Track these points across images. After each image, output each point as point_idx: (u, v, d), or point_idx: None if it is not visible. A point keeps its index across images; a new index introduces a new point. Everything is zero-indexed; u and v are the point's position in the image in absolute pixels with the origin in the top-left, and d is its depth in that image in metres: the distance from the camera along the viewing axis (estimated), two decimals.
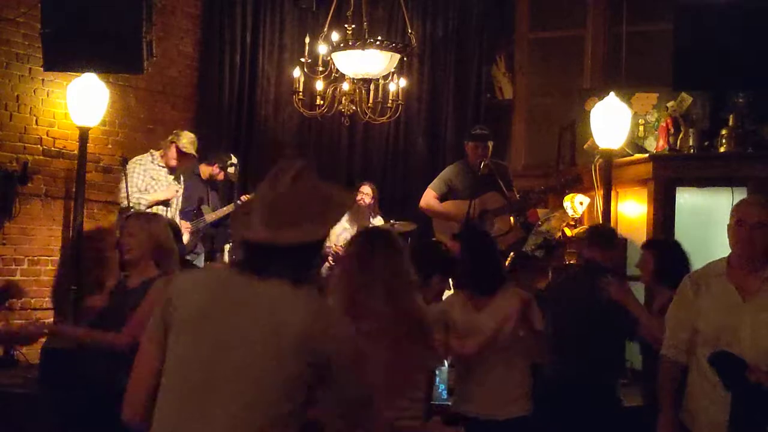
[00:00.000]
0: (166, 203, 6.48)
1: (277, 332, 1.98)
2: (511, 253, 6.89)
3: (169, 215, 6.42)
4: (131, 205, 6.19)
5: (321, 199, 2.12)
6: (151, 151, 6.62)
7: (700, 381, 3.17)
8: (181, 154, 6.56)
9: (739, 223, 3.16)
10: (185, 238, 6.50)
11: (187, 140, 6.58)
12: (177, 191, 6.59)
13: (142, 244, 3.73)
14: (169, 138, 6.61)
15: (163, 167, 6.53)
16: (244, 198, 6.59)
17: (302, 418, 2.02)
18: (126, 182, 6.29)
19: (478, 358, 3.65)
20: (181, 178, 6.71)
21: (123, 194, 6.26)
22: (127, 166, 6.41)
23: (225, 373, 1.98)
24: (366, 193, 6.95)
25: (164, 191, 6.49)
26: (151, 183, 6.46)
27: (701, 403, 3.16)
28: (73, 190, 6.67)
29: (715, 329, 3.11)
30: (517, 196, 6.50)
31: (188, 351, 2.04)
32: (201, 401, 1.98)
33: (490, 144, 6.37)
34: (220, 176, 6.88)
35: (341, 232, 6.78)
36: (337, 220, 2.22)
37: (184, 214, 6.69)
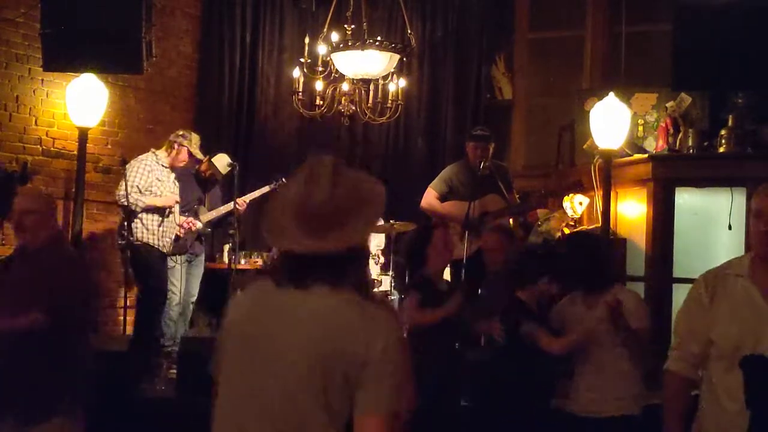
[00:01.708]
0: (161, 209, 6.39)
1: (323, 344, 1.93)
2: None
3: (166, 223, 6.38)
4: (129, 204, 6.16)
5: (361, 200, 2.03)
6: (153, 150, 6.53)
7: (710, 402, 2.72)
8: (190, 157, 6.51)
9: (758, 215, 2.67)
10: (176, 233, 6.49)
11: (196, 143, 6.53)
12: (176, 202, 6.49)
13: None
14: (176, 139, 6.50)
15: (166, 167, 6.46)
16: (240, 200, 6.58)
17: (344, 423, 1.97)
18: (125, 181, 6.25)
19: (583, 356, 3.77)
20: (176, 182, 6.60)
21: (122, 192, 6.21)
22: (128, 165, 6.35)
23: (271, 388, 1.96)
24: None
25: (163, 199, 6.40)
26: (156, 184, 6.37)
27: (710, 427, 2.74)
28: (73, 190, 6.67)
29: (734, 340, 2.62)
30: (518, 198, 6.50)
31: (234, 367, 2.03)
32: (247, 414, 1.98)
33: (492, 145, 6.36)
34: (208, 173, 6.77)
35: None
36: (379, 216, 2.13)
37: (180, 212, 6.66)
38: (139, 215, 6.25)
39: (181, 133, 6.58)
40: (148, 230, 6.30)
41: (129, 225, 6.16)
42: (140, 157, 6.49)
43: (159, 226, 6.34)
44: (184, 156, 6.49)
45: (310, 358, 1.93)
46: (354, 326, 1.95)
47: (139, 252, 6.27)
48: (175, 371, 5.59)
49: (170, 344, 6.42)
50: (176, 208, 6.52)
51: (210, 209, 6.79)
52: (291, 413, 1.94)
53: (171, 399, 5.24)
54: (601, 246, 4.10)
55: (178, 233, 6.52)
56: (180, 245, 6.54)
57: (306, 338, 1.94)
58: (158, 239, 6.35)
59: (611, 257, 4.02)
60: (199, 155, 6.56)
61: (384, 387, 1.93)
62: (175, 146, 6.47)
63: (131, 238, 6.15)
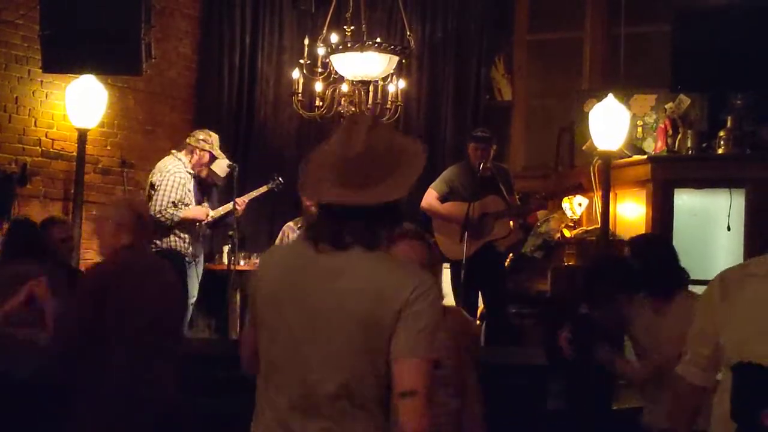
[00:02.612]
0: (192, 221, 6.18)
1: (367, 306, 1.97)
2: (510, 255, 6.93)
3: (193, 231, 6.20)
4: (165, 219, 5.94)
5: (398, 156, 2.05)
6: (174, 152, 6.24)
7: (719, 412, 2.41)
8: (212, 159, 6.28)
9: None
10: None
11: (217, 144, 6.30)
12: (208, 215, 6.26)
13: None
14: (198, 144, 6.23)
15: (191, 173, 6.22)
16: (239, 200, 6.55)
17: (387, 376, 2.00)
18: (158, 195, 6.00)
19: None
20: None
21: (157, 209, 5.93)
22: (158, 176, 6.09)
23: (312, 352, 2.00)
24: None
25: (194, 211, 6.19)
26: (188, 195, 6.15)
27: None
28: (72, 191, 6.67)
29: (742, 345, 2.33)
30: (518, 200, 6.51)
31: (275, 324, 2.08)
32: (291, 369, 2.03)
33: (493, 147, 6.36)
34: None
35: None
36: (416, 175, 2.10)
37: None
38: (173, 229, 6.11)
39: (201, 137, 6.27)
40: (180, 238, 6.19)
41: (161, 236, 6.05)
42: (169, 166, 6.15)
43: (188, 233, 6.23)
44: (206, 159, 6.27)
45: (355, 322, 1.97)
46: (392, 283, 1.99)
47: (170, 258, 6.12)
48: None
49: None
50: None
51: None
52: (336, 376, 1.98)
53: None
54: (671, 247, 3.89)
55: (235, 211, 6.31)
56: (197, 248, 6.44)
57: (352, 302, 1.98)
58: (186, 247, 6.23)
59: (673, 259, 3.77)
60: (221, 156, 6.37)
61: (417, 331, 1.96)
62: (197, 152, 6.22)
63: (162, 245, 6.04)
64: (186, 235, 6.17)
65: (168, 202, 6.02)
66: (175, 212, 6.03)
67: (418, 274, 2.05)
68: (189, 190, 6.20)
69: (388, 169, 2.03)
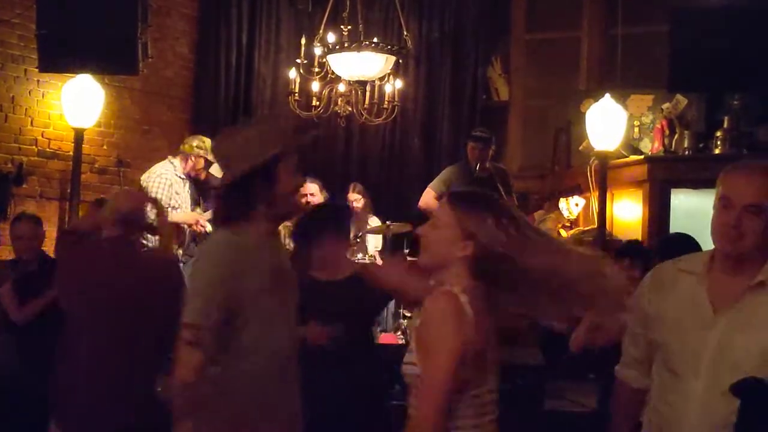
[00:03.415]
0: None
1: None
2: None
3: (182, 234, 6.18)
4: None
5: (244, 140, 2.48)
6: (170, 158, 6.29)
7: (648, 418, 2.28)
8: (207, 164, 6.23)
9: (725, 202, 2.25)
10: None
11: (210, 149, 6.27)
12: (198, 221, 6.19)
13: None
14: (192, 151, 6.21)
15: (183, 178, 6.24)
16: None
17: None
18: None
19: None
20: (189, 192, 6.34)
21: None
22: (145, 178, 6.13)
23: None
24: (355, 199, 6.96)
25: (184, 216, 6.18)
26: (175, 197, 6.14)
27: None
28: (68, 191, 6.66)
29: (668, 346, 2.22)
30: (516, 201, 6.50)
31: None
32: None
33: (491, 147, 6.36)
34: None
35: None
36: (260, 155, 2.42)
37: None
38: None
39: (195, 143, 6.25)
40: None
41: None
42: (157, 169, 6.21)
43: (177, 235, 6.20)
44: (201, 165, 6.25)
45: None
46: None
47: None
48: None
49: None
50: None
51: (205, 211, 6.77)
52: None
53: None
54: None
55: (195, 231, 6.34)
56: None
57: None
58: (176, 249, 6.21)
59: None
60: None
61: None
62: (192, 158, 6.21)
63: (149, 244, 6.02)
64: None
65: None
66: None
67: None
68: (177, 193, 6.21)
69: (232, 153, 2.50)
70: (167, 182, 6.13)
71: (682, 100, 6.78)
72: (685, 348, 2.16)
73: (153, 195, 5.93)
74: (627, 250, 4.01)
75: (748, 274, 2.16)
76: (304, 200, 6.63)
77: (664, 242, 4.02)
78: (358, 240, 6.76)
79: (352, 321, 3.42)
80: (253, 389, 2.39)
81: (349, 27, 6.51)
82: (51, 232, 6.82)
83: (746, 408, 1.93)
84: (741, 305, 2.14)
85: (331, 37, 6.49)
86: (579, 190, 6.54)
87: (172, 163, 6.24)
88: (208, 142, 6.29)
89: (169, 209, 6.02)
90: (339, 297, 3.43)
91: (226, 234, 2.47)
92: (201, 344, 2.31)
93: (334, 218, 3.70)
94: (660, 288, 2.29)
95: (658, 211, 6.40)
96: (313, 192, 6.76)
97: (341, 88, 6.49)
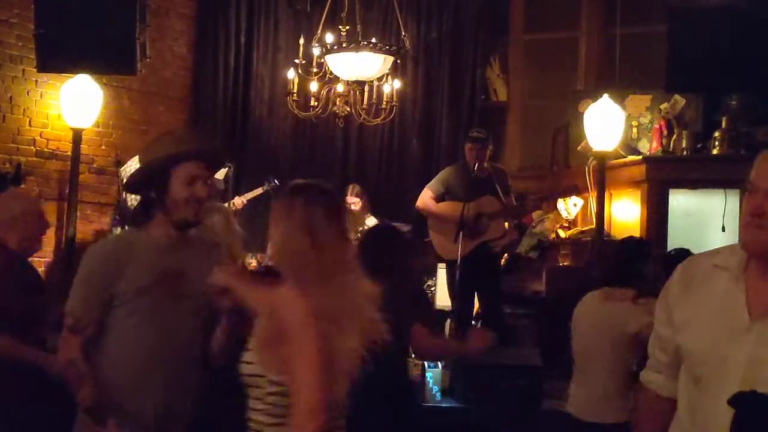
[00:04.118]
0: None
1: None
2: (505, 255, 6.93)
3: None
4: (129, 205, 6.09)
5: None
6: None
7: (675, 425, 1.99)
8: None
9: (750, 188, 1.96)
10: None
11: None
12: None
13: None
14: None
15: None
16: (237, 200, 6.56)
17: None
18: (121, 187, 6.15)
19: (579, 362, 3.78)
20: None
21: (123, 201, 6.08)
22: (122, 170, 6.24)
23: None
24: (353, 201, 6.97)
25: None
26: None
27: None
28: (67, 191, 6.66)
29: (699, 350, 1.91)
30: (514, 201, 6.51)
31: None
32: None
33: (489, 147, 6.37)
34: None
35: None
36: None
37: None
38: None
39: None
40: None
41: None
42: (132, 164, 6.32)
43: None
44: None
45: None
46: None
47: None
48: None
49: None
50: None
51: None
52: None
53: None
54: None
55: None
56: None
57: None
58: None
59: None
60: None
61: None
62: None
63: None
64: None
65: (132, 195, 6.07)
66: (135, 198, 6.07)
67: None
68: None
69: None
70: None
71: (680, 100, 6.79)
72: (714, 358, 1.85)
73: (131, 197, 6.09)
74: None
75: None
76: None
77: (666, 260, 4.07)
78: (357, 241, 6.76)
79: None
80: (116, 375, 2.56)
81: (348, 27, 6.51)
82: (49, 232, 6.83)
83: (741, 421, 1.72)
84: None
85: (329, 38, 6.49)
86: (577, 190, 6.54)
87: None
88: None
89: None
90: None
91: (125, 232, 2.80)
92: (78, 330, 2.54)
93: None
94: (691, 285, 1.97)
95: (656, 212, 6.40)
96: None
97: (339, 88, 6.49)
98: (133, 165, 6.34)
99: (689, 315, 1.94)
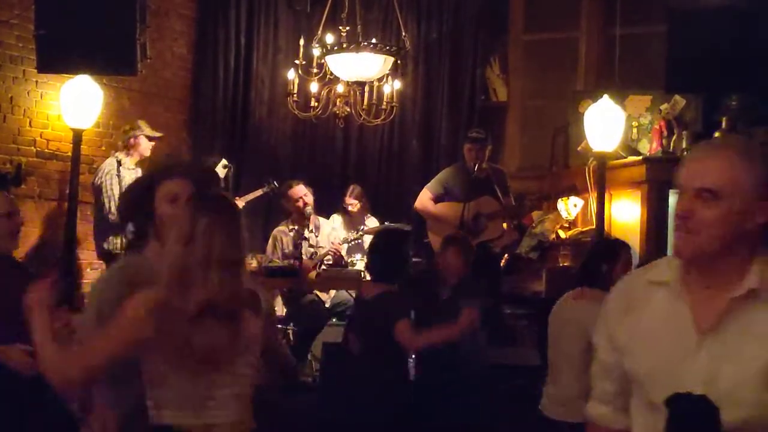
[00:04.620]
0: None
1: None
2: (505, 256, 6.93)
3: None
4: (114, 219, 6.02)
5: None
6: (115, 154, 6.41)
7: None
8: (150, 140, 6.46)
9: (678, 190, 1.86)
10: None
11: (146, 126, 6.52)
12: None
13: None
14: (129, 133, 6.45)
15: (133, 169, 6.33)
16: (239, 200, 6.56)
17: None
18: (107, 196, 6.15)
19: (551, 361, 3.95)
20: None
21: (112, 209, 6.05)
22: (98, 179, 6.26)
23: None
24: (352, 203, 6.97)
25: None
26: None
27: None
28: (67, 192, 6.65)
29: (649, 373, 1.78)
30: (513, 202, 6.51)
31: None
32: None
33: (488, 148, 6.38)
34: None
35: (330, 231, 6.81)
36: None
37: None
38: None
39: (127, 127, 6.55)
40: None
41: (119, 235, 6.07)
42: (105, 167, 6.34)
43: None
44: (145, 144, 6.44)
45: None
46: None
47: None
48: None
49: None
50: None
51: None
52: None
53: None
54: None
55: None
56: None
57: None
58: None
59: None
60: (155, 134, 6.53)
61: None
62: (131, 140, 6.42)
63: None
64: None
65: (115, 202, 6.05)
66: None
67: None
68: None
69: None
70: (115, 178, 6.19)
71: (680, 100, 6.79)
72: (669, 381, 1.70)
73: (111, 192, 6.15)
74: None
75: (726, 283, 1.72)
76: (300, 203, 6.68)
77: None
78: (357, 241, 6.77)
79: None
80: None
81: (348, 28, 6.51)
82: (49, 232, 6.84)
83: (675, 421, 1.60)
84: (725, 324, 1.70)
85: (329, 38, 6.50)
86: (577, 190, 6.54)
87: (116, 158, 6.34)
88: (140, 122, 6.55)
89: None
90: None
91: (127, 259, 2.86)
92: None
93: None
94: (630, 306, 1.83)
95: (656, 212, 6.40)
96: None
97: (340, 88, 6.50)
98: (106, 167, 6.36)
99: (634, 338, 1.81)
